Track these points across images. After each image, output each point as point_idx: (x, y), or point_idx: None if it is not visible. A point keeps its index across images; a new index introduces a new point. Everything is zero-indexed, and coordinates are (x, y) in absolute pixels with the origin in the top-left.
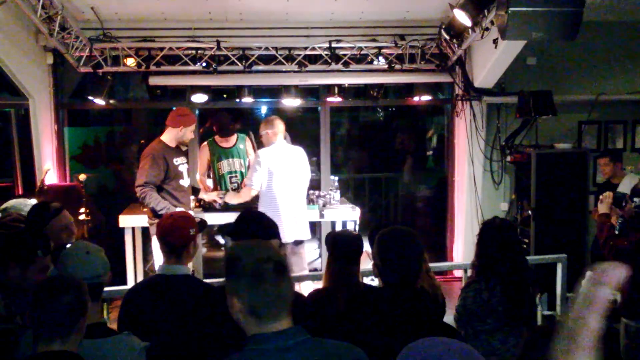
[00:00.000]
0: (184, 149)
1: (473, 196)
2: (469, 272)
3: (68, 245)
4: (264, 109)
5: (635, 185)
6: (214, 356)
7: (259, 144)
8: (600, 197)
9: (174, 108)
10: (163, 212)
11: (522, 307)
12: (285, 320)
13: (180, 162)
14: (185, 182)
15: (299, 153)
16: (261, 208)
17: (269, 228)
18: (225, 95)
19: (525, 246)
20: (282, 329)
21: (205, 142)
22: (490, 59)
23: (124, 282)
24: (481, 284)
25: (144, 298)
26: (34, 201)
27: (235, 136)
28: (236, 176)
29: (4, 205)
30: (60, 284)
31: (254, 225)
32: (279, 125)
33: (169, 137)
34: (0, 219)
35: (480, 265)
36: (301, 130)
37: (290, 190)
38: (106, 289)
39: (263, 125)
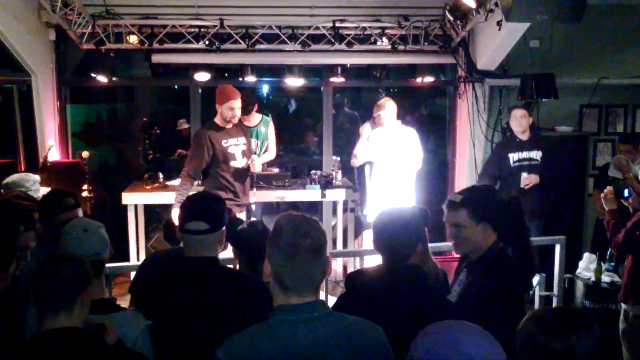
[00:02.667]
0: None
1: (473, 178)
2: None
3: (69, 223)
4: (266, 88)
5: None
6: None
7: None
8: (602, 195)
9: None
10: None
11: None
12: (311, 295)
13: (231, 144)
14: (238, 163)
15: (409, 135)
16: (370, 183)
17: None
18: (226, 74)
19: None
20: (306, 301)
21: None
22: (494, 41)
23: (127, 259)
24: None
25: (154, 264)
26: (36, 177)
27: (260, 117)
28: None
29: (5, 180)
30: (60, 258)
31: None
32: (389, 108)
33: (217, 117)
34: (3, 195)
35: None
36: (303, 110)
37: (394, 171)
38: (109, 265)
39: (375, 108)
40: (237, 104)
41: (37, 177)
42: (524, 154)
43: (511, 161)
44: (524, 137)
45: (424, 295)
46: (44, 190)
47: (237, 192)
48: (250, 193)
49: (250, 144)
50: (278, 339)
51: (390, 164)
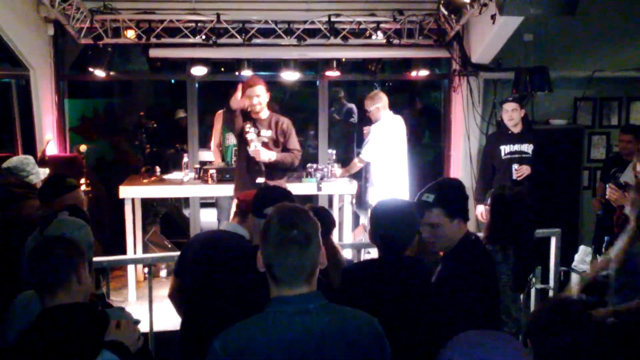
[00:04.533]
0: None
1: (469, 171)
2: None
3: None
4: None
5: None
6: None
7: (366, 119)
8: (607, 194)
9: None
10: None
11: (530, 273)
12: (303, 286)
13: (251, 131)
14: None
15: (401, 123)
16: (375, 179)
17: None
18: (222, 69)
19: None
20: (301, 293)
21: (220, 111)
22: (488, 35)
23: (124, 252)
24: (495, 246)
25: (199, 245)
26: (32, 159)
27: None
28: None
29: (5, 164)
30: (51, 241)
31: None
32: (384, 99)
33: None
34: (1, 182)
35: (492, 234)
36: (299, 104)
37: (401, 160)
38: (105, 258)
39: (369, 101)
40: (253, 91)
41: (32, 159)
42: (515, 147)
43: (502, 153)
44: (516, 130)
45: (421, 287)
46: (43, 171)
47: (246, 177)
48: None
49: (282, 141)
50: (273, 331)
51: (394, 155)
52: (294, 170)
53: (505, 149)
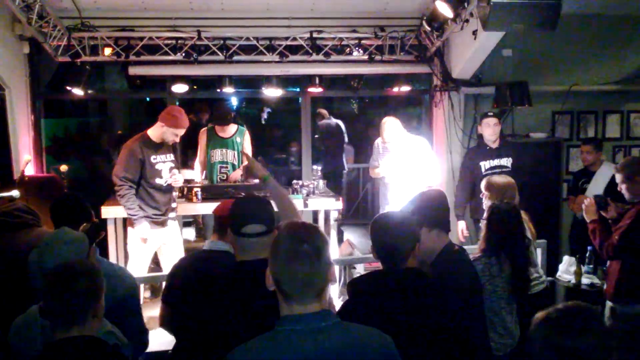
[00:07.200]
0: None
1: (451, 185)
2: None
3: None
4: (236, 99)
5: None
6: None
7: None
8: (583, 206)
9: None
10: (130, 216)
11: (525, 286)
12: (314, 303)
13: (159, 160)
14: (163, 180)
15: (418, 146)
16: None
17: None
18: (195, 87)
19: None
20: (312, 311)
21: (204, 129)
22: (469, 51)
23: None
24: (492, 259)
25: (186, 270)
26: None
27: (235, 128)
28: (226, 167)
29: None
30: (72, 270)
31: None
32: (388, 128)
33: (154, 132)
34: (5, 207)
35: (488, 246)
36: (281, 120)
37: (404, 185)
38: None
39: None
40: (182, 132)
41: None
42: (495, 162)
43: (483, 169)
44: (495, 145)
45: (424, 297)
46: None
47: (161, 208)
48: (171, 208)
49: (178, 161)
50: (285, 350)
51: (398, 180)
52: None
53: (485, 164)
